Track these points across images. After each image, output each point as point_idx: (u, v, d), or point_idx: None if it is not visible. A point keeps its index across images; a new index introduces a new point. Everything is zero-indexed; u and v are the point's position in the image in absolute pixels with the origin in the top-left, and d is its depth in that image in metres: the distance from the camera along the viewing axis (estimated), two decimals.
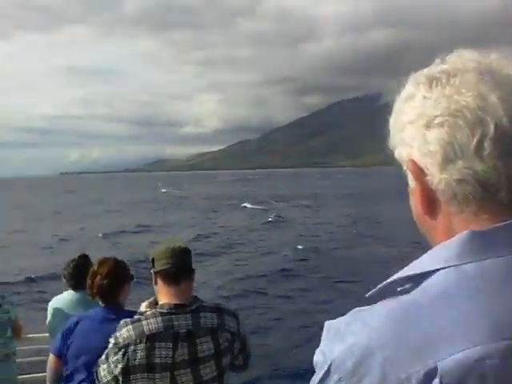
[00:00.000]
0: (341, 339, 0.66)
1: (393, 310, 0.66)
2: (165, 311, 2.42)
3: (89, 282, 3.14)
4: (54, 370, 3.09)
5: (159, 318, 2.40)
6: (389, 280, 0.71)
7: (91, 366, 2.69)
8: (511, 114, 0.68)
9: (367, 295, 0.73)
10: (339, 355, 0.65)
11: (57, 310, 3.83)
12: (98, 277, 3.09)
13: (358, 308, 0.70)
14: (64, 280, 3.90)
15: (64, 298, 3.87)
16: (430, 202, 0.73)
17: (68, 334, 3.03)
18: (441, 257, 0.68)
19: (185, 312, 2.44)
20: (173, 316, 2.42)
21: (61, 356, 3.03)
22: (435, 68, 0.76)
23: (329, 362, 0.66)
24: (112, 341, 2.43)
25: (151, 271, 2.54)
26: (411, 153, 0.74)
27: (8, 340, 3.90)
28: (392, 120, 0.79)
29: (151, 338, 2.37)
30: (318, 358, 0.68)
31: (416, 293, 0.67)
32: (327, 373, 0.66)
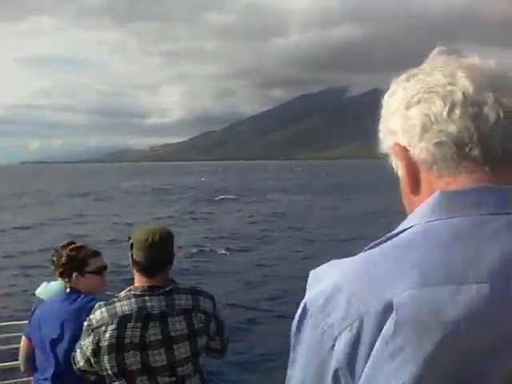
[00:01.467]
0: (318, 282, 0.74)
1: (362, 255, 0.75)
2: (138, 293, 2.44)
3: (57, 263, 3.13)
4: (24, 351, 3.16)
5: (132, 300, 2.42)
6: (372, 244, 0.77)
7: (53, 354, 2.86)
8: (476, 84, 0.77)
9: None
10: (314, 294, 0.73)
11: (42, 301, 3.54)
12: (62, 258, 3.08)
13: (332, 260, 0.77)
14: (52, 267, 3.60)
15: (52, 289, 3.59)
16: (414, 175, 0.80)
17: (32, 321, 3.09)
18: (415, 216, 0.77)
19: (158, 294, 2.44)
20: (146, 297, 2.43)
21: (30, 339, 3.10)
22: (413, 69, 0.86)
23: (304, 301, 0.74)
24: (85, 323, 2.45)
25: (130, 253, 2.53)
26: (395, 138, 0.82)
27: None
28: (381, 118, 0.87)
29: (123, 319, 2.39)
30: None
31: (386, 243, 0.75)
32: (303, 311, 0.73)
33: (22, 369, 3.28)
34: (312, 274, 0.77)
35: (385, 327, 0.66)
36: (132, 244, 2.52)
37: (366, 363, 0.66)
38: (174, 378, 2.46)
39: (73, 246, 3.17)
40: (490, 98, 0.76)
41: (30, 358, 3.11)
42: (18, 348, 3.49)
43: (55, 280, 3.42)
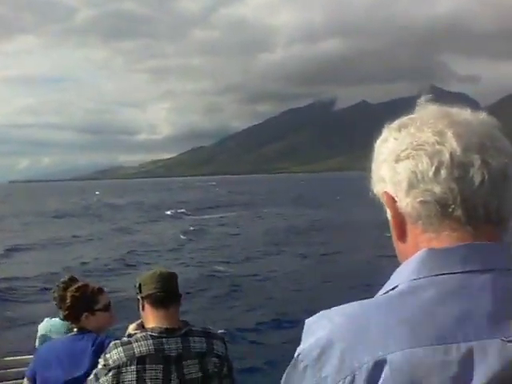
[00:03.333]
0: (311, 334, 0.76)
1: (353, 308, 0.77)
2: (155, 334, 2.44)
3: (60, 304, 3.09)
4: None
5: (150, 341, 2.42)
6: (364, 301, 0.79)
7: None
8: (464, 146, 0.78)
9: None
10: (307, 347, 0.75)
11: (45, 338, 3.60)
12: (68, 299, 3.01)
13: (325, 310, 0.80)
14: (55, 303, 3.51)
15: (57, 325, 3.62)
16: (401, 225, 0.84)
17: (38, 360, 3.00)
18: (402, 273, 0.80)
19: (175, 336, 2.46)
20: (163, 339, 2.44)
21: (34, 378, 2.99)
22: (405, 118, 0.88)
23: (297, 353, 0.76)
24: (102, 362, 2.43)
25: (138, 297, 2.57)
26: (385, 186, 0.85)
27: None
28: (372, 163, 0.90)
29: (141, 361, 2.38)
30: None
31: (375, 299, 0.78)
32: (295, 362, 0.76)
33: None
34: (306, 324, 0.79)
35: (379, 383, 0.68)
36: (140, 285, 2.56)
37: None
38: None
39: (77, 286, 3.08)
40: (477, 160, 0.78)
41: None
42: None
43: (56, 316, 3.41)
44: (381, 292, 0.80)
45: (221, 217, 40.70)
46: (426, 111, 0.86)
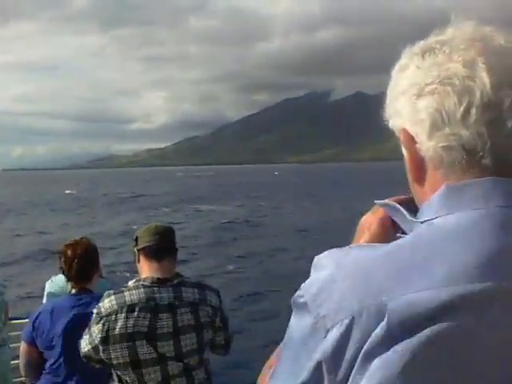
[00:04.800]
0: (317, 270, 0.72)
1: (364, 250, 0.72)
2: (147, 284, 2.48)
3: (63, 265, 3.16)
4: (26, 357, 3.10)
5: (141, 290, 2.46)
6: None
7: (64, 351, 2.93)
8: (496, 83, 0.70)
9: None
10: (310, 281, 0.71)
11: (53, 295, 3.74)
12: (74, 259, 3.11)
13: (336, 248, 0.75)
14: (61, 264, 3.72)
15: (62, 282, 3.70)
16: (419, 169, 0.76)
17: (37, 320, 3.04)
18: (423, 213, 0.74)
19: (167, 286, 2.50)
20: (155, 289, 2.47)
21: (32, 343, 3.05)
22: (431, 39, 0.77)
23: (302, 285, 0.72)
24: (95, 311, 2.49)
25: (134, 249, 2.62)
26: (403, 122, 0.76)
27: (2, 325, 3.86)
28: (388, 91, 0.81)
29: (132, 308, 2.42)
30: None
31: (393, 243, 0.71)
32: (295, 298, 0.72)
33: (24, 374, 3.22)
34: (315, 259, 0.75)
35: (375, 332, 0.63)
36: (137, 238, 2.61)
37: (350, 362, 0.64)
38: (180, 369, 2.49)
39: (88, 248, 3.18)
40: (509, 96, 0.70)
41: (33, 364, 3.07)
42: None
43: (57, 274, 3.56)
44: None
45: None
46: (457, 32, 0.75)
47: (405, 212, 0.77)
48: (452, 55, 0.72)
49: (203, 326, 2.51)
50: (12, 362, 3.94)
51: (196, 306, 2.49)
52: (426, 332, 0.61)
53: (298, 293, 0.72)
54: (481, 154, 0.70)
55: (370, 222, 0.91)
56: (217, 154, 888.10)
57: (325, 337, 0.66)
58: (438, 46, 0.74)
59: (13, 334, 4.18)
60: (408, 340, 0.62)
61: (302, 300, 0.70)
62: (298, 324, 0.71)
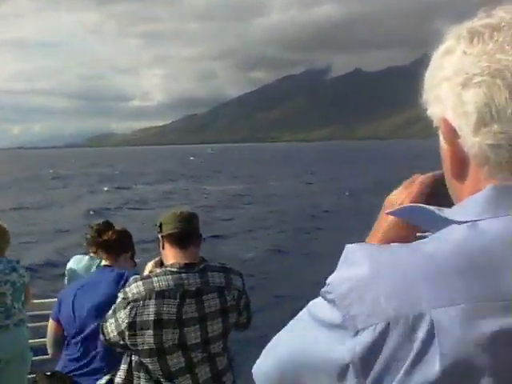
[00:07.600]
0: (348, 265, 0.66)
1: (402, 250, 0.65)
2: (174, 270, 2.47)
3: (96, 238, 3.38)
4: (53, 335, 3.15)
5: (169, 276, 2.45)
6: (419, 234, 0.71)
7: (90, 327, 2.90)
8: None
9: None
10: (338, 279, 0.65)
11: (74, 273, 3.89)
12: (108, 233, 3.25)
13: (372, 243, 0.70)
14: (85, 244, 3.91)
15: (83, 262, 3.92)
16: (460, 165, 0.70)
17: (65, 299, 3.10)
18: (466, 211, 0.65)
19: (193, 271, 2.49)
20: (182, 274, 2.47)
21: (59, 321, 3.10)
22: (479, 21, 0.69)
23: (328, 282, 0.66)
24: (121, 295, 2.46)
25: (158, 236, 2.61)
26: (444, 112, 0.70)
27: (22, 305, 3.96)
28: (428, 75, 0.73)
29: (160, 295, 2.41)
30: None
31: (433, 244, 0.63)
32: (324, 291, 0.66)
33: (51, 352, 3.23)
34: (346, 250, 0.68)
35: (415, 343, 0.57)
36: (161, 224, 2.59)
37: (382, 371, 0.58)
38: (205, 355, 2.50)
39: (119, 229, 3.36)
40: None
41: (60, 341, 3.10)
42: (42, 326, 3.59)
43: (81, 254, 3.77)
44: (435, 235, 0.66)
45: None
46: (508, 16, 0.67)
47: (432, 208, 0.68)
48: (504, 46, 0.65)
49: (229, 310, 2.53)
50: (31, 341, 4.01)
51: (222, 290, 2.51)
52: (486, 357, 0.54)
53: (326, 288, 0.66)
54: None
55: (401, 198, 0.84)
56: (215, 133, 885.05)
57: (354, 336, 0.60)
58: (487, 31, 0.66)
59: (32, 313, 4.27)
60: (456, 360, 0.55)
61: (330, 297, 0.64)
62: (323, 310, 0.65)
